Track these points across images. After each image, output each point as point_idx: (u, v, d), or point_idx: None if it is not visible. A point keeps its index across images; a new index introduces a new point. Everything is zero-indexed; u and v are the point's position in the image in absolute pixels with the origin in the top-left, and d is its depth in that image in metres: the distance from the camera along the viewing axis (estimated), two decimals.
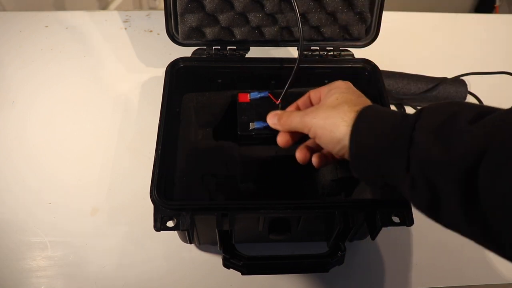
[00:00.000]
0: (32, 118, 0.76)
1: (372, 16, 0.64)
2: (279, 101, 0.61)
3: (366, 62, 0.65)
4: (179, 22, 0.62)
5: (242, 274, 0.51)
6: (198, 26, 0.63)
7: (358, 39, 0.66)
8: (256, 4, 0.62)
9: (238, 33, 0.64)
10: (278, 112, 0.54)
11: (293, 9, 0.59)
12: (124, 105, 0.78)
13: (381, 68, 0.65)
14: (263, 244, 0.62)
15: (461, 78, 0.79)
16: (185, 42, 0.65)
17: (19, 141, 0.73)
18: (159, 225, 0.48)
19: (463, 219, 0.34)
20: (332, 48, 0.66)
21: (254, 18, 0.63)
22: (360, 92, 0.51)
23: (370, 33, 0.66)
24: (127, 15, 0.94)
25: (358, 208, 0.52)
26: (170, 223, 0.49)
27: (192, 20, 0.62)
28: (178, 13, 0.62)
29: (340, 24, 0.64)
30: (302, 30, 0.59)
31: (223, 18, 0.63)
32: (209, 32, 0.64)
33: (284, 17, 0.63)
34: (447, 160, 0.35)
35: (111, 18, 0.93)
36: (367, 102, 0.48)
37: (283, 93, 0.59)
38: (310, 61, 0.65)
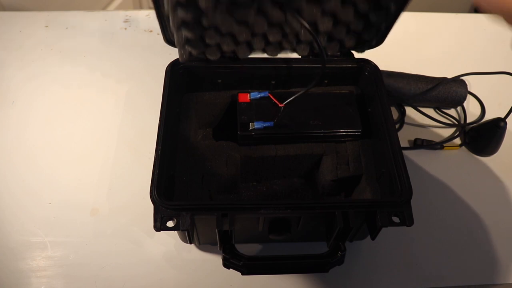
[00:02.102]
0: (32, 118, 0.76)
1: (385, 29, 0.61)
2: (283, 104, 0.61)
3: (366, 62, 0.65)
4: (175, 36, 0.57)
5: (242, 274, 0.51)
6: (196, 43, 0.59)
7: (368, 48, 0.64)
8: (261, 17, 0.56)
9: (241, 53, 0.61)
10: None
11: (299, 23, 0.56)
12: (124, 105, 0.78)
13: (381, 68, 0.65)
14: (263, 244, 0.62)
15: (461, 78, 0.79)
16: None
17: (19, 141, 0.73)
18: (159, 225, 0.48)
19: None
20: None
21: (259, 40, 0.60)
22: None
23: (378, 42, 0.63)
24: (127, 15, 0.94)
25: (358, 208, 0.52)
26: (170, 223, 0.49)
27: (188, 34, 0.56)
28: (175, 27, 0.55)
29: (352, 35, 0.61)
30: (320, 46, 0.56)
31: (225, 41, 0.59)
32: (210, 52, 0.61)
33: (291, 30, 0.59)
34: None
35: (111, 18, 0.93)
36: None
37: (290, 99, 0.60)
38: (310, 61, 0.65)
